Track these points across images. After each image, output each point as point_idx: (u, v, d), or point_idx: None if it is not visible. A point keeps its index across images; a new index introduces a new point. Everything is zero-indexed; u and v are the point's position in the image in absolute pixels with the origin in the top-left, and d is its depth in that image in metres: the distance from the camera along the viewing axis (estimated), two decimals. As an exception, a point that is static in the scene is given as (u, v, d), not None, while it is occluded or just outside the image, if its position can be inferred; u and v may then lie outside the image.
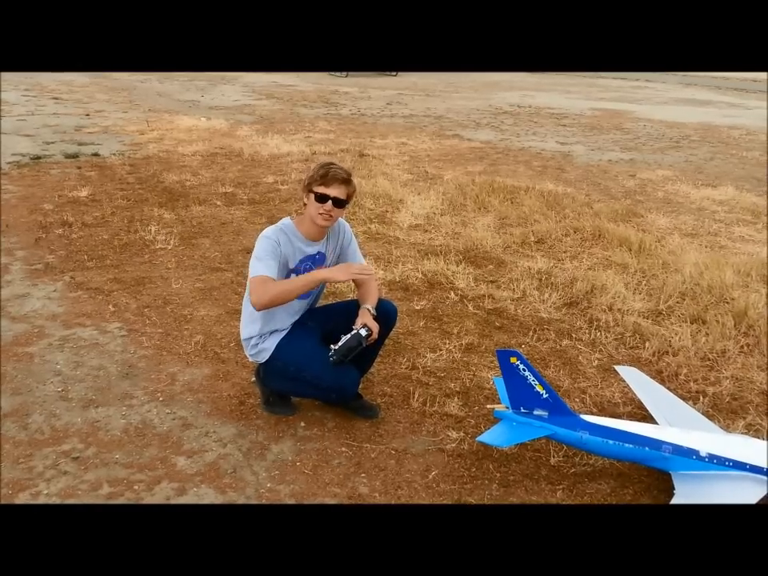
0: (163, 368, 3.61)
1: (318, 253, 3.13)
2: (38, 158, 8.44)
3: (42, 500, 2.58)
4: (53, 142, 9.45)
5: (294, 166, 8.51)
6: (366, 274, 3.01)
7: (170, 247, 5.45)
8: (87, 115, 12.16)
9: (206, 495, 2.67)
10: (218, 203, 6.79)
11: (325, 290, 3.41)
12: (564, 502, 2.70)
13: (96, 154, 8.81)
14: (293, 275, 3.06)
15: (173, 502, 2.62)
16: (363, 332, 2.94)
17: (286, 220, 3.11)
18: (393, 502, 2.67)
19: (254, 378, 3.40)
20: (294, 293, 2.95)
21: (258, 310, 2.95)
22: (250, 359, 3.23)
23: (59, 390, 3.36)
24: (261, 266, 2.94)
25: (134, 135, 10.36)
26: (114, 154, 8.86)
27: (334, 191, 2.95)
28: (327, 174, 2.94)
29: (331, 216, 3.00)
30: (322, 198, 2.95)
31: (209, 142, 9.89)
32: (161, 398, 3.32)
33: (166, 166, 8.27)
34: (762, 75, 27.83)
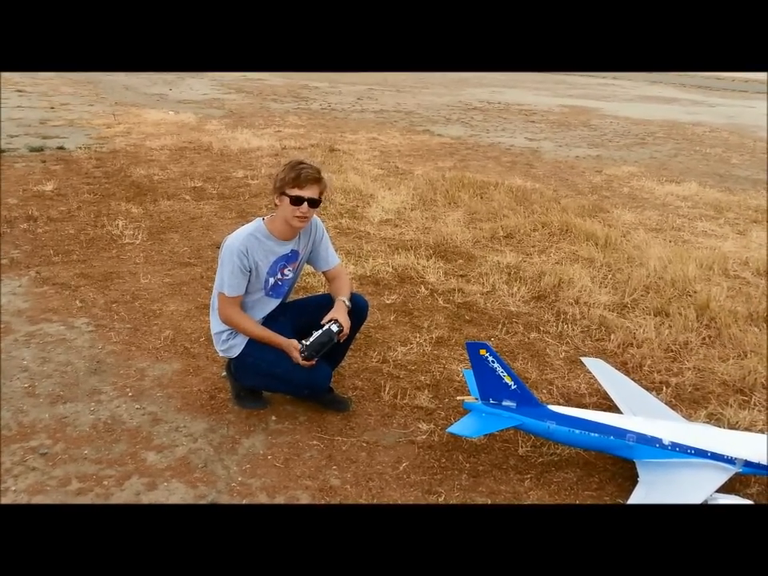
0: (132, 363, 3.58)
1: (292, 251, 3.12)
2: (2, 151, 8.26)
3: (10, 496, 2.56)
4: (17, 135, 9.28)
5: (264, 161, 8.47)
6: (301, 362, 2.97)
7: (138, 242, 5.40)
8: (52, 108, 11.96)
9: (177, 490, 2.66)
10: (187, 198, 6.73)
11: (296, 285, 3.42)
12: (540, 502, 2.75)
13: (61, 148, 8.66)
14: (270, 279, 3.07)
15: (143, 497, 2.61)
16: (334, 327, 2.95)
17: (258, 222, 3.06)
18: (367, 499, 2.69)
19: (224, 373, 3.39)
20: (251, 336, 3.05)
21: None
22: (221, 354, 3.22)
23: (26, 386, 3.31)
24: (234, 284, 2.96)
25: (101, 129, 10.21)
26: (79, 148, 8.72)
27: (308, 192, 2.92)
28: (299, 175, 2.89)
29: (307, 217, 2.99)
30: (296, 201, 2.91)
31: (177, 136, 9.79)
32: (130, 394, 3.30)
33: (134, 160, 8.17)
34: (724, 73, 28.42)
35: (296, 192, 2.91)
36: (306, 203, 2.93)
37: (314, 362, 2.97)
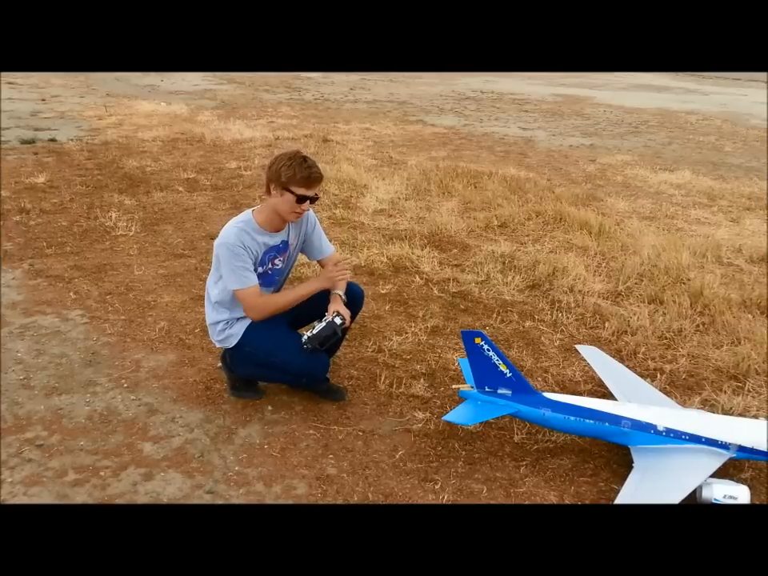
0: (127, 355, 3.57)
1: (282, 242, 3.10)
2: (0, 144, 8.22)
3: (6, 488, 2.56)
4: (8, 128, 9.21)
5: (257, 152, 8.44)
6: (344, 271, 3.07)
7: (131, 234, 5.38)
8: (43, 100, 11.89)
9: (174, 480, 2.66)
10: (180, 189, 6.71)
11: (290, 275, 3.41)
12: (535, 502, 2.76)
13: (53, 140, 8.61)
14: (259, 268, 3.04)
15: (140, 487, 2.62)
16: (338, 320, 2.94)
17: (246, 216, 3.02)
18: (363, 487, 2.70)
19: (220, 364, 3.39)
20: (292, 305, 3.05)
21: (257, 320, 3.03)
22: (217, 345, 3.22)
23: (21, 378, 3.31)
24: (243, 276, 2.92)
25: (92, 120, 10.15)
26: (71, 140, 8.67)
27: (313, 191, 2.92)
28: (310, 176, 2.86)
29: (304, 213, 2.99)
30: (302, 200, 2.90)
31: (169, 128, 9.75)
32: (125, 385, 3.30)
33: (126, 152, 8.13)
34: (717, 62, 28.41)
35: (303, 191, 2.88)
36: (308, 201, 2.93)
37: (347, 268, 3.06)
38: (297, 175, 2.85)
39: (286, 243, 3.13)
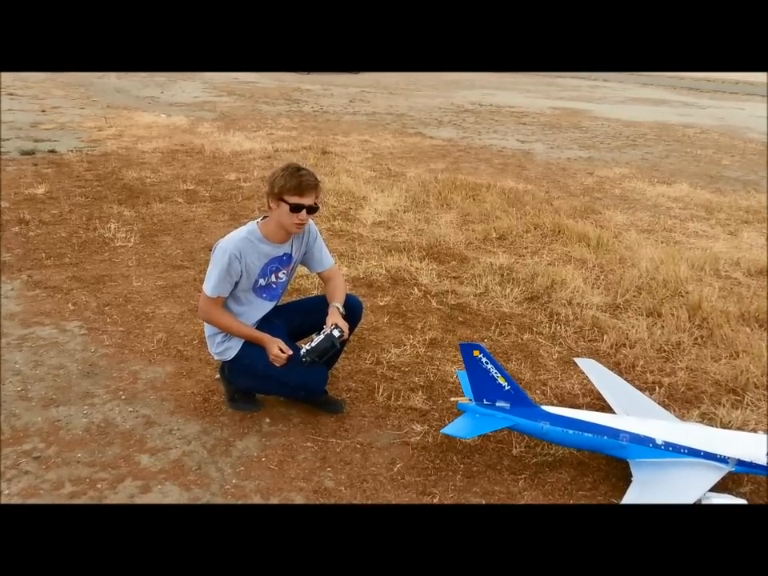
0: (125, 366, 3.57)
1: (285, 254, 3.11)
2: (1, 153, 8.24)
3: (3, 500, 2.54)
4: (8, 139, 9.24)
5: (257, 163, 8.47)
6: (281, 358, 2.97)
7: (130, 245, 5.38)
8: (43, 111, 11.93)
9: (171, 492, 2.65)
10: (180, 200, 6.72)
11: (288, 287, 3.41)
12: (535, 502, 2.75)
13: (53, 151, 8.63)
14: (260, 280, 3.06)
15: (137, 500, 2.61)
16: (336, 333, 2.94)
17: (252, 225, 3.05)
18: (361, 500, 2.69)
19: (218, 375, 3.38)
20: (233, 334, 3.07)
21: (199, 318, 3.00)
22: (215, 357, 3.21)
23: (18, 389, 3.30)
24: (220, 286, 2.96)
25: (92, 132, 10.18)
26: (71, 151, 8.69)
27: (308, 199, 2.91)
28: (301, 183, 2.87)
29: (304, 223, 2.99)
30: (296, 208, 2.90)
31: (169, 139, 9.77)
32: (123, 397, 3.29)
33: (125, 163, 8.15)
34: (714, 75, 28.57)
35: (296, 200, 2.89)
36: (305, 210, 2.93)
37: (286, 360, 2.97)
38: (287, 184, 2.88)
39: (289, 256, 3.13)
